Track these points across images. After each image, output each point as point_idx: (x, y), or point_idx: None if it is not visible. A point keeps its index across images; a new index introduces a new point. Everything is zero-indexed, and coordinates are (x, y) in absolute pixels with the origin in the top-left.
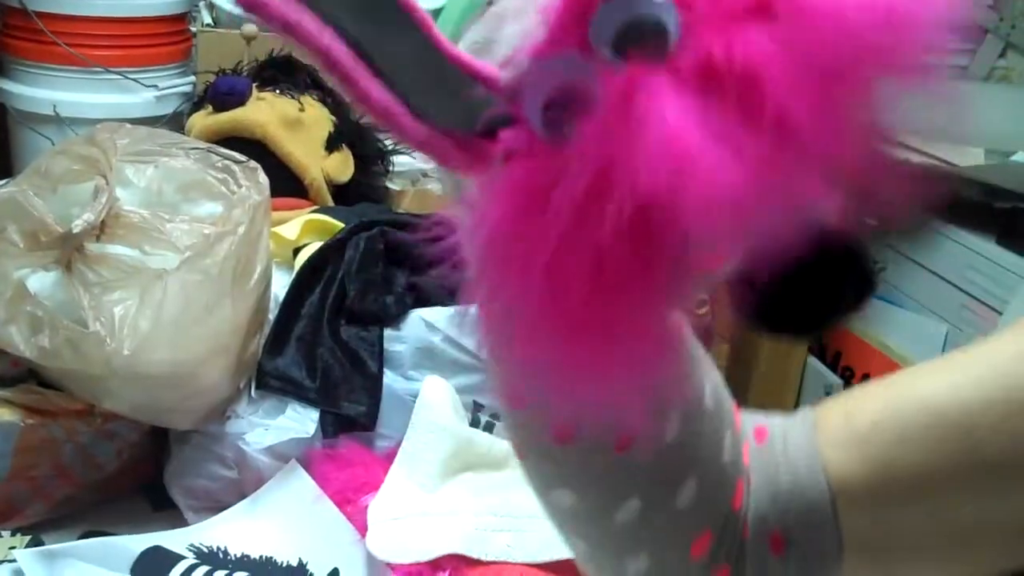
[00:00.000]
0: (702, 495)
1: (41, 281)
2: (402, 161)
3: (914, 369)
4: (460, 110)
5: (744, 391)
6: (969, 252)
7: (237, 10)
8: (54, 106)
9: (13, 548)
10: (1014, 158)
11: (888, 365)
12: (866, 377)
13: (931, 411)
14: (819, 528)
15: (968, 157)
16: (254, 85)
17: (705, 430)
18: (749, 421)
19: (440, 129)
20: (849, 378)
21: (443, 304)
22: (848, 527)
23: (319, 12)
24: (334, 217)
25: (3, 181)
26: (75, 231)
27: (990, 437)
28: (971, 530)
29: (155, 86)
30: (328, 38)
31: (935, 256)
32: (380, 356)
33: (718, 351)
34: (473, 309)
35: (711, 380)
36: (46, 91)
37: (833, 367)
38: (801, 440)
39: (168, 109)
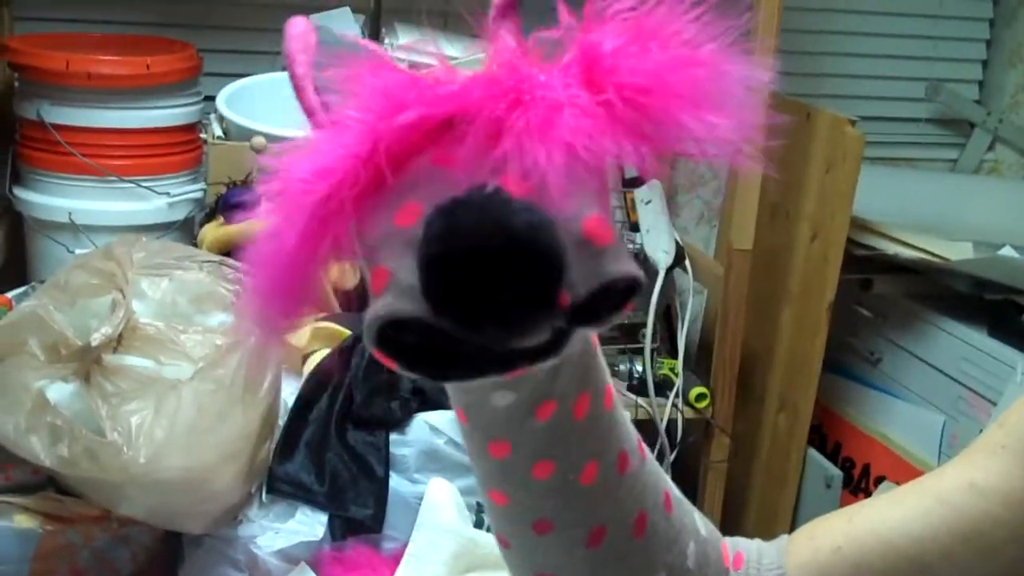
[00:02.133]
0: None
1: (60, 392)
2: None
3: (874, 500)
4: None
5: (745, 484)
6: (963, 344)
7: (246, 123)
8: (69, 214)
9: None
10: (1002, 251)
11: (888, 456)
12: (867, 468)
13: (885, 542)
14: None
15: (958, 251)
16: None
17: None
18: (731, 549)
19: None
20: (850, 469)
21: (447, 408)
22: None
23: None
24: (341, 324)
25: (22, 289)
26: (93, 344)
27: (938, 565)
28: None
29: (167, 193)
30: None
31: (930, 348)
32: (386, 460)
33: (719, 444)
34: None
35: (694, 540)
36: (62, 200)
37: (833, 458)
38: (772, 563)
39: (180, 216)
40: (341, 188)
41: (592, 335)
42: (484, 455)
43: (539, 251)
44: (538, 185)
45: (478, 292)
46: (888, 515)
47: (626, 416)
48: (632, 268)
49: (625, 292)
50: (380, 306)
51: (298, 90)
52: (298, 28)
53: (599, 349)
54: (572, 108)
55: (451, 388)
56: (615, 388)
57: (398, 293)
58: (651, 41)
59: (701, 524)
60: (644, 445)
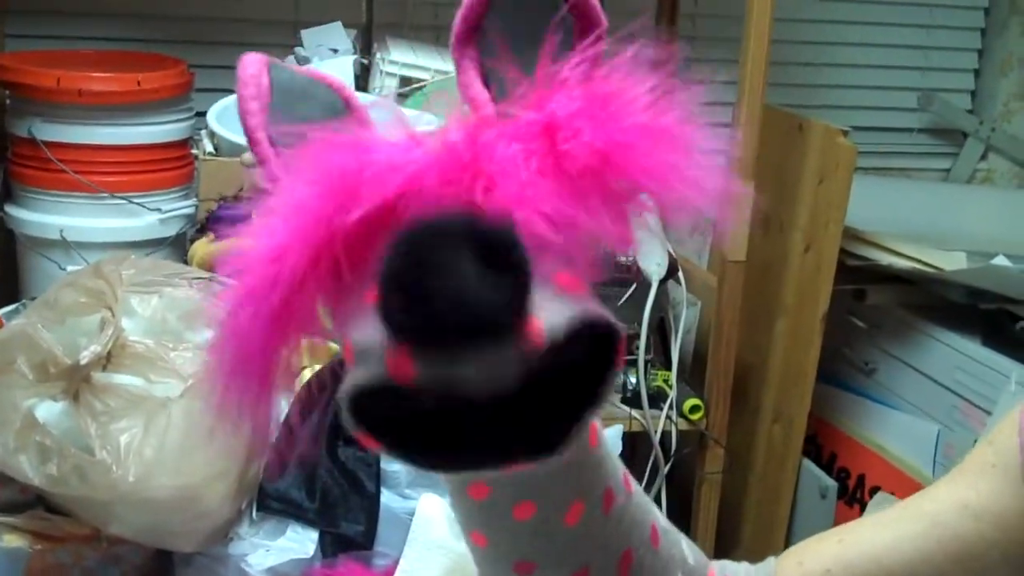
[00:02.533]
0: None
1: (49, 411)
2: None
3: (864, 521)
4: None
5: (741, 495)
6: (957, 354)
7: (237, 139)
8: (61, 231)
9: None
10: (995, 260)
11: (883, 466)
12: (862, 479)
13: (877, 564)
14: None
15: (952, 260)
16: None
17: None
18: (721, 573)
19: None
20: (845, 479)
21: None
22: None
23: None
24: (332, 340)
25: (13, 306)
26: (83, 362)
27: None
28: None
29: (159, 210)
30: None
31: (924, 358)
32: (377, 476)
33: (714, 455)
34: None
35: (681, 571)
36: (53, 216)
37: (829, 469)
38: None
39: (171, 232)
40: (297, 270)
41: None
42: (463, 496)
43: (496, 241)
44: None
45: (435, 299)
46: (879, 537)
47: (611, 452)
48: (609, 317)
49: (605, 349)
50: (347, 381)
51: (251, 141)
52: (250, 69)
53: None
54: (531, 186)
55: None
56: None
57: (362, 361)
58: (609, 107)
59: (688, 552)
60: (631, 478)
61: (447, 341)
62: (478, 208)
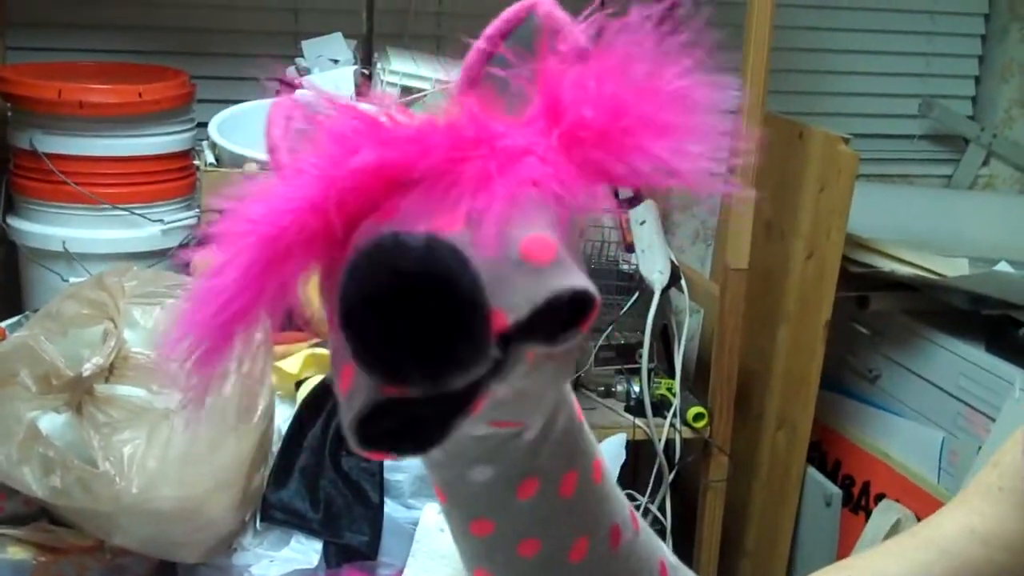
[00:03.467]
0: None
1: (52, 423)
2: None
3: (872, 553)
4: None
5: (745, 503)
6: (960, 360)
7: (238, 149)
8: (63, 242)
9: None
10: (998, 267)
11: (888, 473)
12: (867, 486)
13: None
14: None
15: (954, 267)
16: None
17: None
18: None
19: None
20: (850, 486)
21: None
22: None
23: None
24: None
25: (16, 319)
26: (85, 374)
27: None
28: None
29: (161, 220)
30: None
31: (928, 365)
32: (381, 486)
33: (718, 463)
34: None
35: None
36: (55, 228)
37: (834, 476)
38: None
39: (174, 243)
40: (288, 232)
41: (576, 410)
42: (466, 534)
43: (436, 279)
44: (475, 220)
45: (397, 335)
46: (890, 569)
47: (616, 488)
48: (578, 282)
49: (578, 309)
50: (346, 411)
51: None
52: (280, 113)
53: (586, 424)
54: (531, 155)
55: (428, 465)
56: (611, 408)
57: (356, 389)
58: (610, 75)
59: None
60: (637, 515)
61: (418, 380)
62: (428, 238)
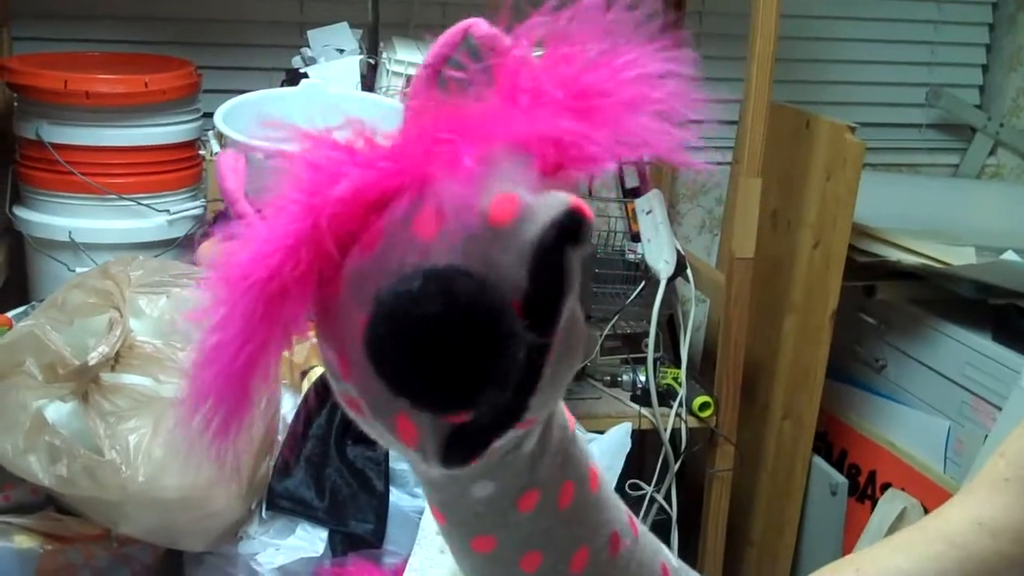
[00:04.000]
0: None
1: (58, 411)
2: None
3: (880, 547)
4: None
5: (751, 492)
6: (967, 349)
7: (243, 139)
8: (69, 233)
9: None
10: (1005, 255)
11: (894, 462)
12: (873, 475)
13: None
14: None
15: (961, 256)
16: None
17: None
18: None
19: None
20: (856, 476)
21: None
22: None
23: None
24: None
25: (22, 308)
26: (91, 363)
27: None
28: None
29: (167, 211)
30: None
31: (935, 354)
32: (386, 474)
33: (724, 452)
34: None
35: None
36: (62, 218)
37: (839, 466)
38: None
39: (180, 232)
40: (281, 271)
41: (569, 419)
42: (468, 551)
43: (468, 316)
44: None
45: (443, 368)
46: (898, 563)
47: (613, 495)
48: (549, 215)
49: (575, 225)
50: (424, 457)
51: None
52: (227, 165)
53: (579, 435)
54: (501, 112)
55: (428, 487)
56: (617, 398)
57: (423, 436)
58: (567, 60)
59: None
60: (636, 520)
61: (482, 402)
62: (456, 273)
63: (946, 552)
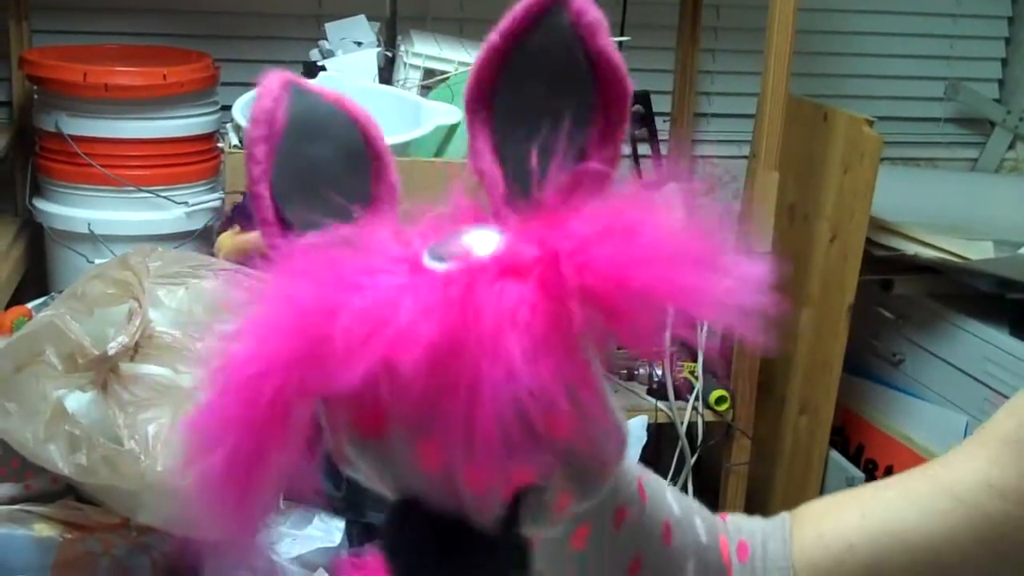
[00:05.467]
0: None
1: (78, 401)
2: None
3: (884, 494)
4: None
5: (767, 486)
6: (985, 344)
7: None
8: (88, 224)
9: None
10: (1023, 250)
11: (911, 457)
12: (889, 470)
13: (901, 542)
14: None
15: (979, 250)
16: None
17: None
18: (735, 538)
19: None
20: (872, 470)
21: None
22: None
23: None
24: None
25: (42, 300)
26: (110, 353)
27: (955, 566)
28: None
29: (185, 203)
30: None
31: (953, 349)
32: None
33: (741, 446)
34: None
35: (694, 557)
36: (81, 210)
37: (856, 460)
38: (778, 555)
39: (198, 225)
40: (284, 391)
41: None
42: None
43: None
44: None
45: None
46: (904, 514)
47: (626, 466)
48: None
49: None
50: None
51: (252, 195)
52: (265, 102)
53: None
54: (527, 358)
55: None
56: (633, 391)
57: None
58: (624, 232)
59: (702, 529)
60: (646, 484)
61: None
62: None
63: (954, 509)
